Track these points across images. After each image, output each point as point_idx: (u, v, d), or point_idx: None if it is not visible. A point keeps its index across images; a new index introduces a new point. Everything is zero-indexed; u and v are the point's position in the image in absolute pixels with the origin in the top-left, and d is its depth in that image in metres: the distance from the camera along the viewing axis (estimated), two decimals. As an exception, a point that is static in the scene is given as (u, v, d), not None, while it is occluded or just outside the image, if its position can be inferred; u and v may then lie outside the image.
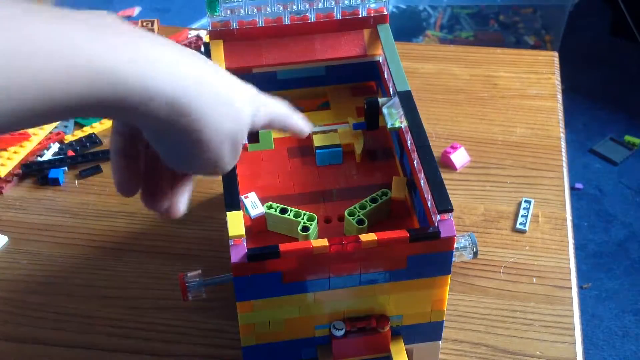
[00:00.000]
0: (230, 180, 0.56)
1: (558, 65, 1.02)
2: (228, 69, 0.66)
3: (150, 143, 0.48)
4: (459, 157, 0.86)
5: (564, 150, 0.89)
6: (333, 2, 0.68)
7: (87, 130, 0.92)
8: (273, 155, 0.67)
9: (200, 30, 1.06)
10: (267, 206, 0.60)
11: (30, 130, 0.90)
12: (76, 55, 0.40)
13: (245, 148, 0.67)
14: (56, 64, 0.39)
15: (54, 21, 0.40)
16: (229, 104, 0.47)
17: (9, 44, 0.37)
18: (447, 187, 0.54)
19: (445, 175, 0.59)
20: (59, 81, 0.39)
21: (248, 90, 0.50)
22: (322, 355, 0.59)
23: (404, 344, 0.60)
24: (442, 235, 0.53)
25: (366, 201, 0.60)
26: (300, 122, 0.57)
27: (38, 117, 0.40)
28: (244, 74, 0.62)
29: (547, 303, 0.72)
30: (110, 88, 0.40)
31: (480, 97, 0.96)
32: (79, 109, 0.41)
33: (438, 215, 0.53)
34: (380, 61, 0.71)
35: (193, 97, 0.44)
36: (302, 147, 0.68)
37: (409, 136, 0.60)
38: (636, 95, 2.17)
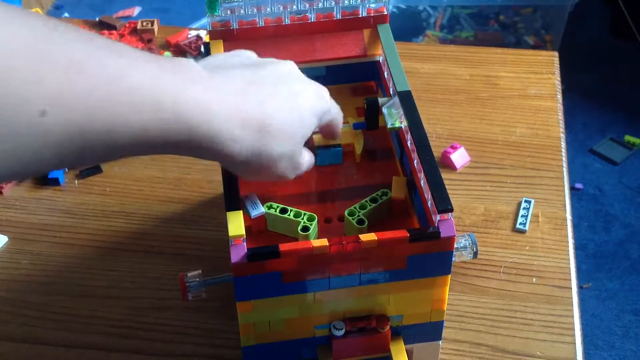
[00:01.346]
0: (230, 180, 0.56)
1: (558, 65, 1.02)
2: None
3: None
4: (459, 157, 0.86)
5: (564, 150, 0.89)
6: (333, 2, 0.68)
7: (87, 130, 0.92)
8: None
9: (200, 30, 1.06)
10: (267, 206, 0.60)
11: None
12: (164, 102, 0.45)
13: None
14: (147, 112, 0.44)
15: (151, 71, 0.45)
16: (285, 134, 0.52)
17: (113, 90, 0.42)
18: (447, 187, 0.54)
19: (445, 175, 0.59)
20: (146, 127, 0.44)
21: (309, 107, 0.54)
22: (322, 355, 0.59)
23: (404, 344, 0.60)
24: (442, 235, 0.53)
25: (366, 201, 0.60)
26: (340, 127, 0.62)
27: (123, 151, 0.45)
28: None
29: (547, 303, 0.72)
30: (185, 134, 0.46)
31: (480, 97, 0.96)
32: (156, 148, 0.46)
33: (438, 215, 0.53)
34: (380, 61, 0.71)
35: (249, 141, 0.50)
36: (302, 147, 0.68)
37: (409, 136, 0.60)
38: (636, 95, 2.17)
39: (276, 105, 0.51)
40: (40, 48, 0.39)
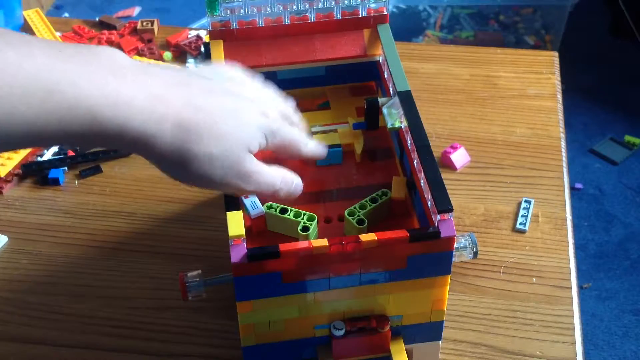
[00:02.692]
0: (230, 180, 0.56)
1: (558, 65, 1.02)
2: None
3: None
4: (459, 157, 0.86)
5: (564, 150, 0.89)
6: (333, 2, 0.68)
7: (87, 130, 0.92)
8: (273, 155, 0.67)
9: (200, 30, 1.06)
10: (267, 206, 0.60)
11: (30, 130, 0.90)
12: (61, 93, 0.44)
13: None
14: (42, 102, 0.43)
15: (50, 56, 0.44)
16: (214, 135, 0.49)
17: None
18: (447, 187, 0.54)
19: (445, 175, 0.59)
20: (44, 117, 0.43)
21: (251, 119, 0.52)
22: (322, 355, 0.59)
23: (404, 344, 0.60)
24: (442, 235, 0.53)
25: (366, 201, 0.60)
26: (313, 149, 0.58)
27: (21, 141, 0.44)
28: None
29: (547, 303, 0.72)
30: (87, 124, 0.45)
31: (480, 97, 0.96)
32: (59, 138, 0.45)
33: (438, 215, 0.53)
34: (380, 61, 0.71)
35: (169, 137, 0.47)
36: (302, 147, 0.68)
37: (409, 136, 0.60)
38: (636, 95, 2.17)
39: (208, 107, 0.49)
40: None
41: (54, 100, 0.43)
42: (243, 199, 0.60)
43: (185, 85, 0.49)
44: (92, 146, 0.48)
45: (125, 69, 0.47)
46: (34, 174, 0.86)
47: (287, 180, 0.56)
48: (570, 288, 0.74)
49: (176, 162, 0.49)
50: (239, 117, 0.51)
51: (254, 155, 0.52)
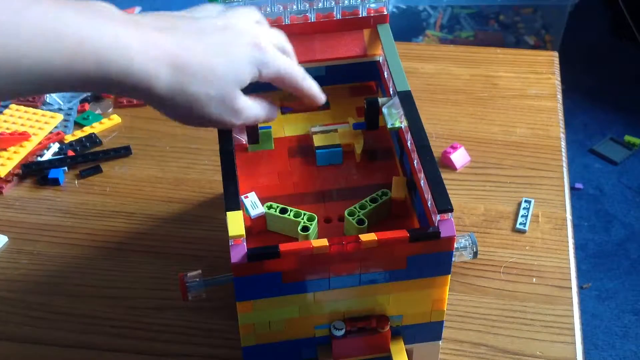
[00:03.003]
0: (230, 180, 0.56)
1: (558, 65, 1.02)
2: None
3: None
4: (459, 157, 0.86)
5: (564, 150, 0.89)
6: (333, 2, 0.68)
7: (87, 130, 0.92)
8: (273, 155, 0.67)
9: (200, 30, 1.06)
10: (267, 206, 0.60)
11: (31, 130, 0.90)
12: (67, 35, 0.46)
13: (245, 148, 0.67)
14: (48, 42, 0.45)
15: (55, 3, 0.47)
16: (208, 75, 0.52)
17: (7, 22, 0.44)
18: (447, 187, 0.54)
19: (445, 175, 0.59)
20: (50, 57, 0.46)
21: (241, 52, 0.54)
22: (322, 355, 0.59)
23: (404, 344, 0.60)
24: (442, 235, 0.53)
25: (366, 201, 0.60)
26: (314, 87, 0.60)
27: (32, 86, 0.47)
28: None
29: (547, 303, 0.72)
30: (93, 66, 0.47)
31: (480, 97, 0.96)
32: (68, 82, 0.48)
33: (438, 215, 0.53)
34: (380, 61, 0.71)
35: (167, 78, 0.50)
36: (302, 147, 0.68)
37: (409, 136, 0.60)
38: (636, 95, 2.17)
39: (200, 48, 0.52)
40: None
41: (61, 42, 0.46)
42: (243, 199, 0.60)
43: (174, 29, 0.52)
44: (98, 91, 0.51)
45: (119, 18, 0.50)
46: (34, 174, 0.86)
47: (268, 109, 0.60)
48: (570, 288, 0.74)
49: (176, 104, 0.52)
50: (229, 52, 0.53)
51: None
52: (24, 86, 0.47)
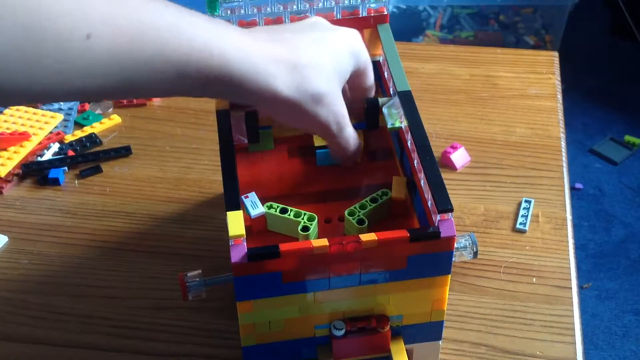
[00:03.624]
0: (230, 180, 0.56)
1: (558, 65, 1.02)
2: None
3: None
4: (459, 157, 0.86)
5: (564, 150, 0.89)
6: (333, 2, 0.68)
7: (87, 130, 0.92)
8: (273, 155, 0.67)
9: (200, 30, 1.05)
10: (267, 206, 0.60)
11: (31, 130, 0.90)
12: (198, 36, 0.50)
13: (245, 148, 0.67)
14: (182, 42, 0.49)
15: (182, 12, 0.51)
16: (320, 69, 0.56)
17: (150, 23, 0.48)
18: (447, 187, 0.54)
19: (445, 175, 0.59)
20: (181, 57, 0.49)
21: (341, 45, 0.59)
22: (322, 355, 0.59)
23: (404, 344, 0.60)
24: (442, 235, 0.53)
25: (366, 201, 0.60)
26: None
27: (166, 85, 0.50)
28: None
29: (547, 303, 0.72)
30: (218, 68, 0.51)
31: (480, 97, 0.96)
32: (198, 83, 0.51)
33: (438, 215, 0.53)
34: (380, 61, 0.71)
35: (287, 77, 0.55)
36: (302, 147, 0.68)
37: (409, 136, 0.60)
38: (636, 95, 2.17)
39: (306, 46, 0.56)
40: None
41: (196, 43, 0.50)
42: (243, 198, 0.60)
43: (281, 34, 0.57)
44: (217, 96, 0.57)
45: (238, 29, 0.55)
46: (34, 174, 0.86)
47: (359, 142, 0.63)
48: (570, 288, 0.74)
49: (293, 104, 0.55)
50: (332, 48, 0.58)
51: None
52: (163, 85, 0.50)
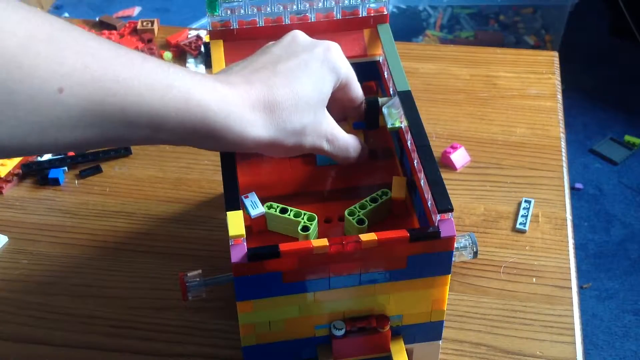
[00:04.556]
0: (230, 180, 0.56)
1: (558, 65, 1.02)
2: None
3: None
4: (459, 157, 0.86)
5: (564, 150, 0.89)
6: (333, 2, 0.68)
7: (87, 130, 0.92)
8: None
9: (200, 30, 1.06)
10: (267, 206, 0.60)
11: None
12: (176, 88, 0.50)
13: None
14: (160, 93, 0.49)
15: (160, 65, 0.50)
16: (297, 103, 0.55)
17: (128, 76, 0.48)
18: (447, 187, 0.54)
19: (445, 175, 0.59)
20: (161, 108, 0.49)
21: (318, 64, 0.57)
22: (322, 355, 0.59)
23: (404, 344, 0.60)
24: (442, 235, 0.53)
25: (366, 201, 0.60)
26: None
27: (146, 135, 0.50)
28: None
29: (547, 303, 0.72)
30: (200, 120, 0.51)
31: (480, 97, 0.96)
32: (176, 133, 0.51)
33: (438, 215, 0.53)
34: (380, 61, 0.71)
35: (260, 122, 0.54)
36: (302, 147, 0.68)
37: (409, 136, 0.60)
38: (636, 95, 2.17)
39: (282, 82, 0.55)
40: (57, 36, 0.45)
41: (172, 94, 0.49)
42: (243, 198, 0.60)
43: (257, 72, 0.55)
44: (209, 148, 0.55)
45: (213, 77, 0.54)
46: (34, 174, 0.86)
47: (358, 142, 0.63)
48: (570, 288, 0.74)
49: (276, 145, 0.55)
50: (307, 70, 0.56)
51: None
52: (140, 135, 0.50)
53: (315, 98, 0.56)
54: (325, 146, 0.59)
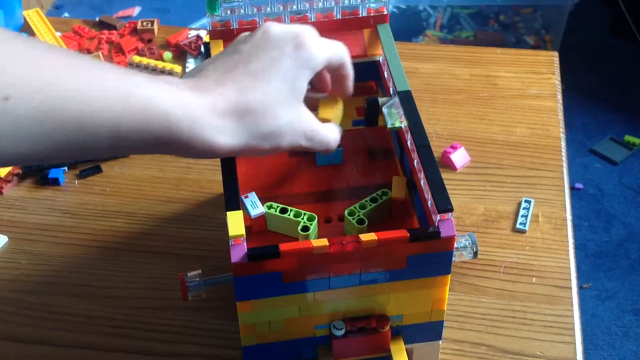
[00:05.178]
0: (230, 180, 0.56)
1: (558, 65, 1.02)
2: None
3: None
4: (459, 157, 0.86)
5: (564, 150, 0.89)
6: (333, 2, 0.68)
7: (87, 130, 0.92)
8: (273, 155, 0.67)
9: (200, 30, 1.06)
10: (267, 206, 0.60)
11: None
12: (135, 96, 0.48)
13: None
14: (120, 103, 0.47)
15: (116, 72, 0.48)
16: (268, 107, 0.52)
17: (86, 86, 0.46)
18: (447, 187, 0.54)
19: (445, 175, 0.59)
20: (121, 118, 0.47)
21: (288, 63, 0.53)
22: (322, 355, 0.59)
23: (404, 344, 0.60)
24: (442, 235, 0.53)
25: (366, 201, 0.60)
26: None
27: (108, 146, 0.48)
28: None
29: (547, 303, 0.72)
30: (163, 128, 0.48)
31: (480, 97, 0.96)
32: (138, 143, 0.48)
33: (438, 215, 0.53)
34: (380, 61, 0.71)
35: (229, 129, 0.51)
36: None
37: (409, 136, 0.60)
38: (636, 95, 2.17)
39: (254, 84, 0.52)
40: (4, 48, 0.44)
41: (130, 102, 0.47)
42: (243, 198, 0.60)
43: (228, 72, 0.53)
44: (167, 153, 0.52)
45: (175, 81, 0.51)
46: (34, 174, 0.86)
47: (333, 134, 0.59)
48: (570, 288, 0.74)
49: (249, 149, 0.52)
50: (278, 69, 0.53)
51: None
52: (100, 145, 0.48)
53: (289, 98, 0.53)
54: (305, 143, 0.55)
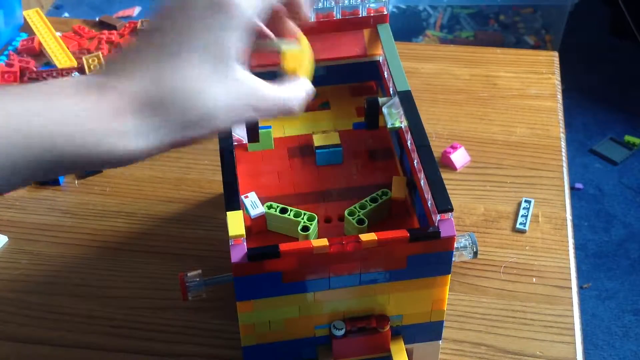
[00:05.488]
0: (230, 180, 0.56)
1: (558, 65, 1.02)
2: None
3: None
4: (459, 157, 0.86)
5: (564, 150, 0.89)
6: (333, 2, 0.68)
7: (87, 130, 0.92)
8: (273, 155, 0.67)
9: (200, 30, 1.05)
10: (267, 206, 0.60)
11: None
12: (12, 124, 0.40)
13: (245, 148, 0.67)
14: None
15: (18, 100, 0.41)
16: (188, 94, 0.43)
17: None
18: (447, 187, 0.54)
19: (445, 175, 0.59)
20: (7, 149, 0.39)
21: (206, 29, 0.44)
22: (322, 355, 0.59)
23: (404, 344, 0.60)
24: (442, 235, 0.53)
25: (366, 201, 0.60)
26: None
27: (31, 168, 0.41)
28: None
29: (547, 303, 0.72)
30: (57, 148, 0.41)
31: (480, 97, 0.96)
32: (41, 170, 0.41)
33: (438, 215, 0.53)
34: (380, 61, 0.71)
35: (133, 130, 0.42)
36: (302, 147, 0.68)
37: (409, 136, 0.60)
38: (636, 95, 2.17)
39: (169, 67, 0.43)
40: None
41: (31, 139, 0.40)
42: (243, 198, 0.60)
43: (145, 51, 0.44)
44: (89, 169, 0.44)
45: (67, 88, 0.43)
46: (34, 174, 0.86)
47: (301, 87, 0.50)
48: (570, 288, 0.74)
49: (183, 142, 0.44)
50: (197, 45, 0.44)
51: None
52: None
53: (216, 71, 0.44)
54: (253, 115, 0.46)
